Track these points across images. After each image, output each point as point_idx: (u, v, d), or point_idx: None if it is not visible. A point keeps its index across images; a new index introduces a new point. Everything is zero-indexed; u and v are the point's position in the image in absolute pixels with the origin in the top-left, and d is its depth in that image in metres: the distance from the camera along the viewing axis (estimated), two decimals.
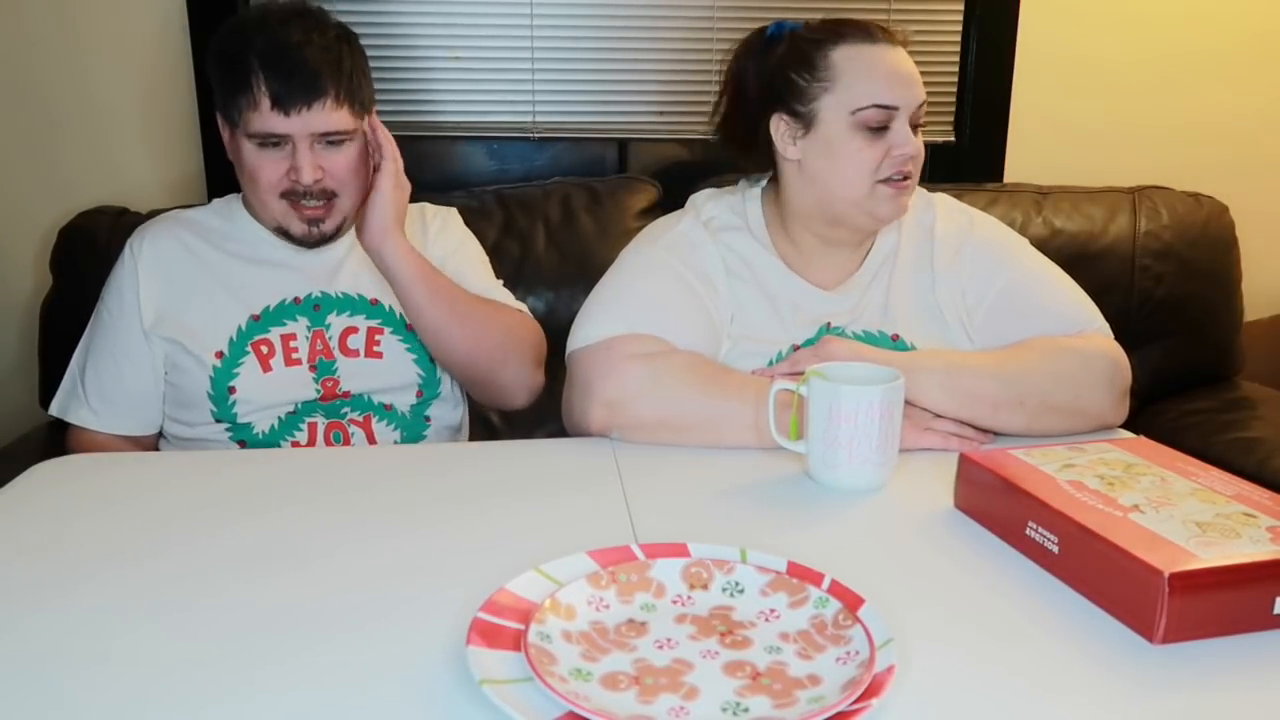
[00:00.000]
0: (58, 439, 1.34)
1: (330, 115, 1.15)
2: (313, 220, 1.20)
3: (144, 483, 0.90)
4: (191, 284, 1.24)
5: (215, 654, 0.61)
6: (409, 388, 1.27)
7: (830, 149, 1.09)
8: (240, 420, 1.22)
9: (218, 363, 1.21)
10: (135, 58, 1.79)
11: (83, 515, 0.83)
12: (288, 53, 1.13)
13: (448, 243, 1.34)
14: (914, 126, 1.09)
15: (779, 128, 1.12)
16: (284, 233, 1.22)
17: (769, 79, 1.12)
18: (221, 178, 1.81)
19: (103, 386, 1.24)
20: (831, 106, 1.08)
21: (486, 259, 1.37)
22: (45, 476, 0.93)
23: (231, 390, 1.21)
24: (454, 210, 1.41)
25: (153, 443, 1.30)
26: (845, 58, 1.08)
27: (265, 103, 1.13)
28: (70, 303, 1.57)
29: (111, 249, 1.56)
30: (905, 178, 1.09)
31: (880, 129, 1.08)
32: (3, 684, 0.58)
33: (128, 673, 0.59)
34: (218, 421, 1.22)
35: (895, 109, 1.07)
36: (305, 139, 1.15)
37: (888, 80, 1.07)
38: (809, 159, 1.11)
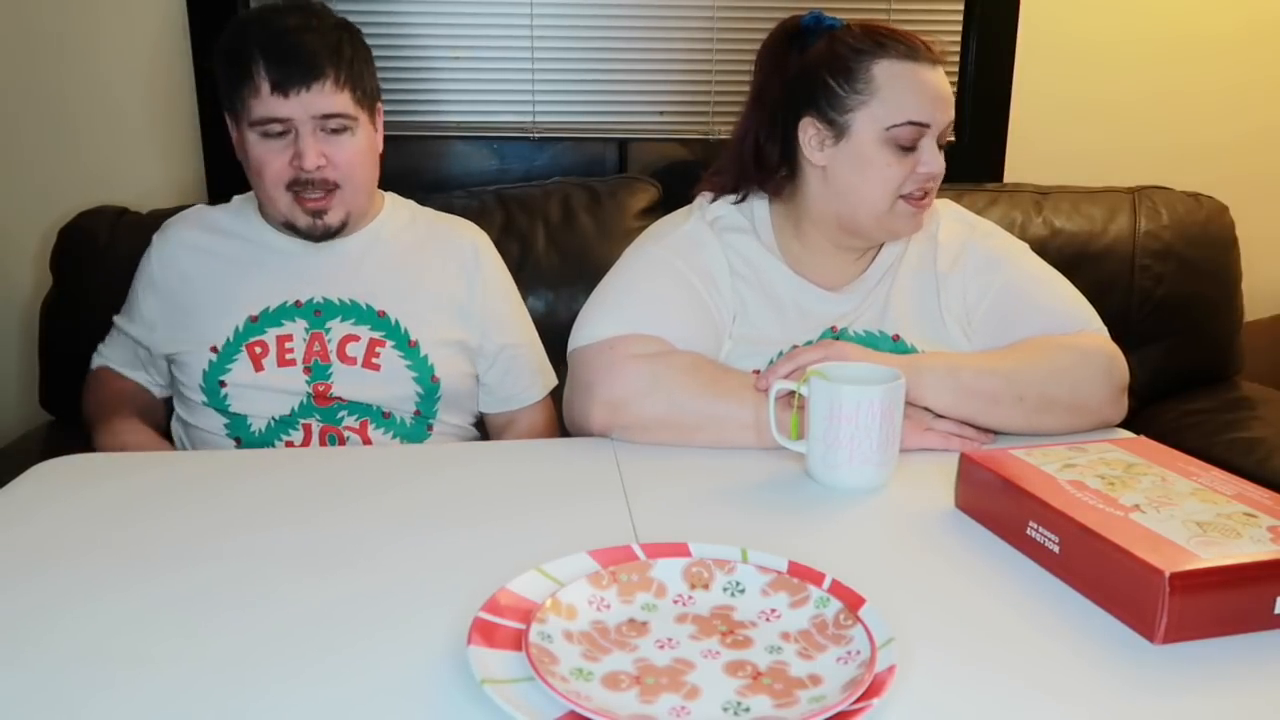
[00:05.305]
0: (57, 439, 1.35)
1: (330, 98, 1.16)
2: (316, 212, 1.21)
3: (143, 484, 0.90)
4: (197, 284, 1.27)
5: (218, 657, 0.61)
6: (406, 401, 1.26)
7: (859, 162, 1.09)
8: (233, 410, 1.23)
9: (213, 356, 1.23)
10: (136, 58, 1.79)
11: (83, 517, 0.83)
12: (285, 37, 1.15)
13: (495, 287, 1.35)
14: (939, 145, 1.10)
15: (808, 131, 1.11)
16: (291, 227, 1.23)
17: (805, 78, 1.11)
18: (222, 178, 1.81)
19: (122, 354, 1.36)
20: (866, 120, 1.08)
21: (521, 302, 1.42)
22: (45, 476, 0.93)
23: (222, 384, 1.23)
24: (485, 235, 1.39)
25: (162, 407, 1.35)
26: (886, 72, 1.07)
27: (265, 87, 1.14)
28: (70, 303, 1.57)
29: (111, 249, 1.57)
30: (925, 195, 1.10)
31: (910, 147, 1.08)
32: (2, 687, 0.58)
33: (129, 679, 0.59)
34: (215, 410, 1.24)
35: (927, 126, 1.07)
36: (307, 123, 1.16)
37: (925, 98, 1.07)
38: (835, 168, 1.10)
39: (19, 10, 1.74)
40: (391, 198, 1.36)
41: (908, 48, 1.08)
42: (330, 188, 1.20)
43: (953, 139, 1.13)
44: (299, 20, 1.17)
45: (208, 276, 1.27)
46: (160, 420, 1.34)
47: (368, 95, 1.22)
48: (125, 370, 1.36)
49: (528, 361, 1.38)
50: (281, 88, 1.14)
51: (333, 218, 1.22)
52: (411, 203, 1.38)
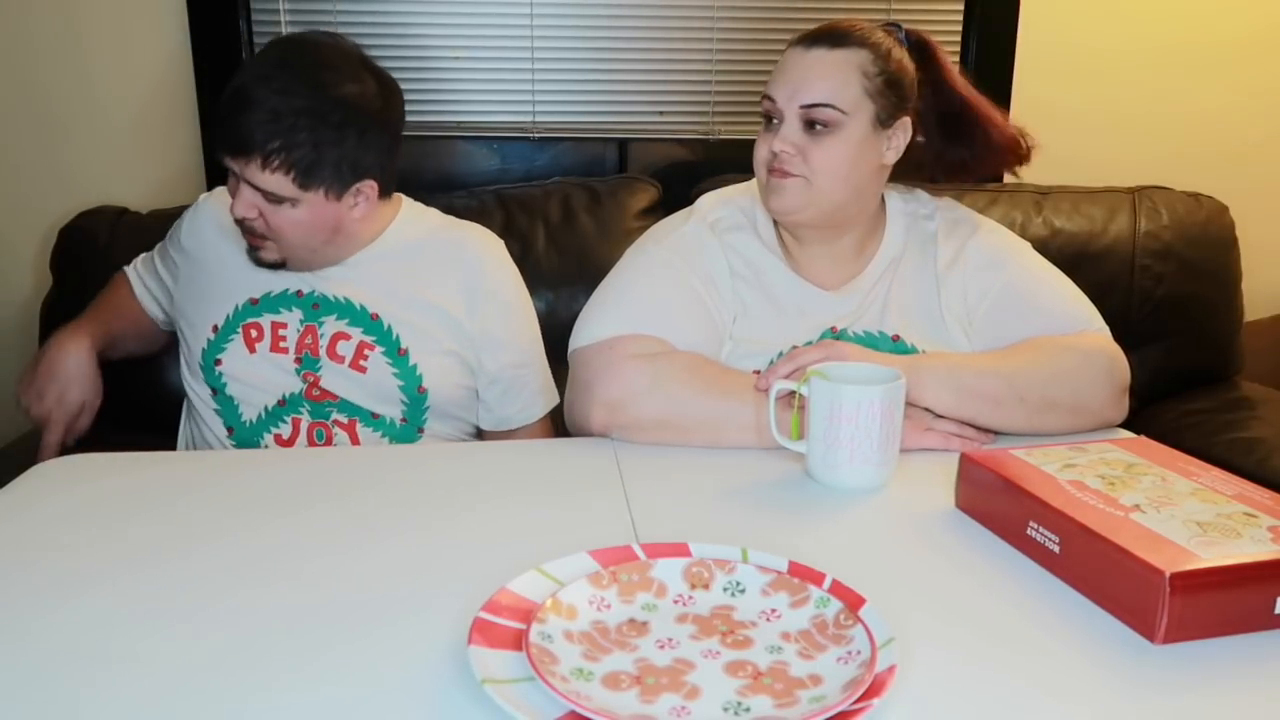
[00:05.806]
0: None
1: (259, 174, 1.13)
2: (251, 248, 1.22)
3: (143, 484, 0.90)
4: (214, 252, 1.31)
5: (218, 656, 0.61)
6: (391, 407, 1.25)
7: None
8: (228, 392, 1.25)
9: (212, 335, 1.26)
10: (136, 58, 1.79)
11: (83, 517, 0.83)
12: (237, 101, 1.12)
13: (499, 305, 1.30)
14: (814, 124, 1.08)
15: None
16: None
17: None
18: (223, 178, 1.81)
19: (145, 274, 1.42)
20: None
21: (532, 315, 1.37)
22: (45, 476, 0.93)
23: (218, 362, 1.26)
24: (500, 247, 1.34)
25: (155, 331, 1.43)
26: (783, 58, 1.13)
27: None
28: (70, 303, 1.56)
29: (111, 249, 1.57)
30: (783, 174, 1.09)
31: (770, 119, 1.11)
32: (2, 689, 0.58)
33: (129, 677, 0.59)
34: (210, 391, 1.27)
35: (773, 101, 1.09)
36: (245, 181, 1.15)
37: (783, 76, 1.10)
38: None
39: (20, 10, 1.74)
40: (409, 205, 1.33)
41: (802, 36, 1.11)
42: (260, 236, 1.20)
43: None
44: (268, 88, 1.11)
45: (224, 250, 1.30)
46: (146, 333, 1.41)
47: (324, 179, 1.14)
48: (138, 288, 1.41)
49: (529, 383, 1.33)
50: (222, 146, 1.14)
51: (266, 256, 1.21)
52: (433, 211, 1.34)
